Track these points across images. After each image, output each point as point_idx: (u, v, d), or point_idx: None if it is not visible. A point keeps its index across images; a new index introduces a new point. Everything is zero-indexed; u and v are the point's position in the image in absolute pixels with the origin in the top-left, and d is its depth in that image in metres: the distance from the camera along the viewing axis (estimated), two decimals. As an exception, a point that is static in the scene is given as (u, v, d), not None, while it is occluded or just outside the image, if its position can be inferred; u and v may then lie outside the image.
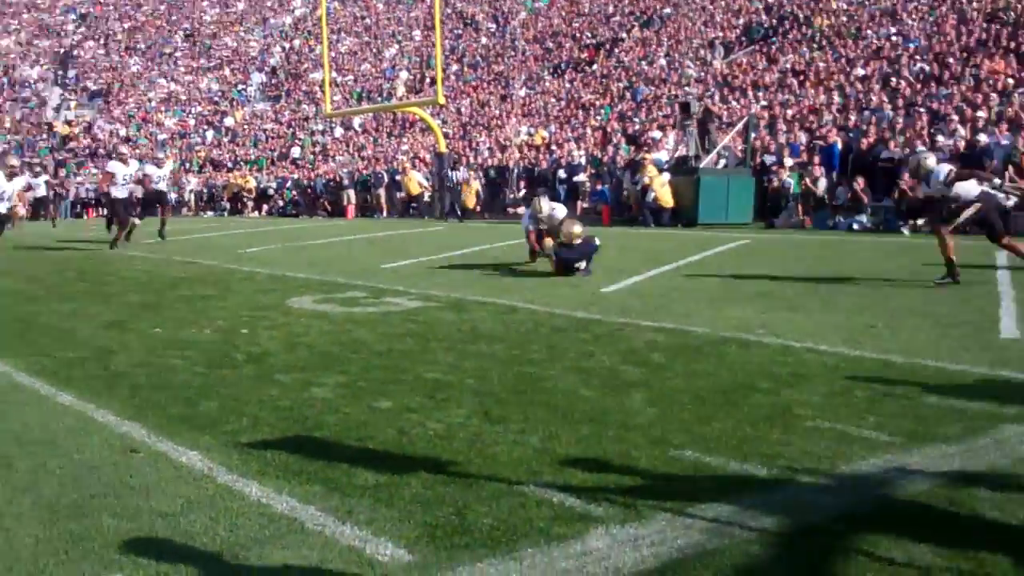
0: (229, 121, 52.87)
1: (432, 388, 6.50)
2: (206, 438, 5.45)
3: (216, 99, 56.63)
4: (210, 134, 51.94)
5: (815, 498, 4.35)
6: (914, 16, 30.90)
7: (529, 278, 12.65)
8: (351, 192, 34.56)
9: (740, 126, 25.15)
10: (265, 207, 38.45)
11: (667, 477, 4.65)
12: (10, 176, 16.90)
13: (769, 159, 23.65)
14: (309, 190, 37.14)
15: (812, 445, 5.04)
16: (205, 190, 42.08)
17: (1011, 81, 23.30)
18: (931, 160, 11.45)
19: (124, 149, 23.46)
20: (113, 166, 19.45)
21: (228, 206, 39.62)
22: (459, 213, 28.64)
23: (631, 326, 8.78)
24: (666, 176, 23.43)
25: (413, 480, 4.65)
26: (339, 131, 45.44)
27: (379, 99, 46.88)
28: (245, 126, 52.00)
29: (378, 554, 3.84)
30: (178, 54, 62.27)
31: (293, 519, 4.22)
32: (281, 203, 37.77)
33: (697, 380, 6.57)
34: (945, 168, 11.12)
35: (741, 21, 37.82)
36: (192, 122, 54.19)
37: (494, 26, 51.59)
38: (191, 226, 29.72)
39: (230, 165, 44.57)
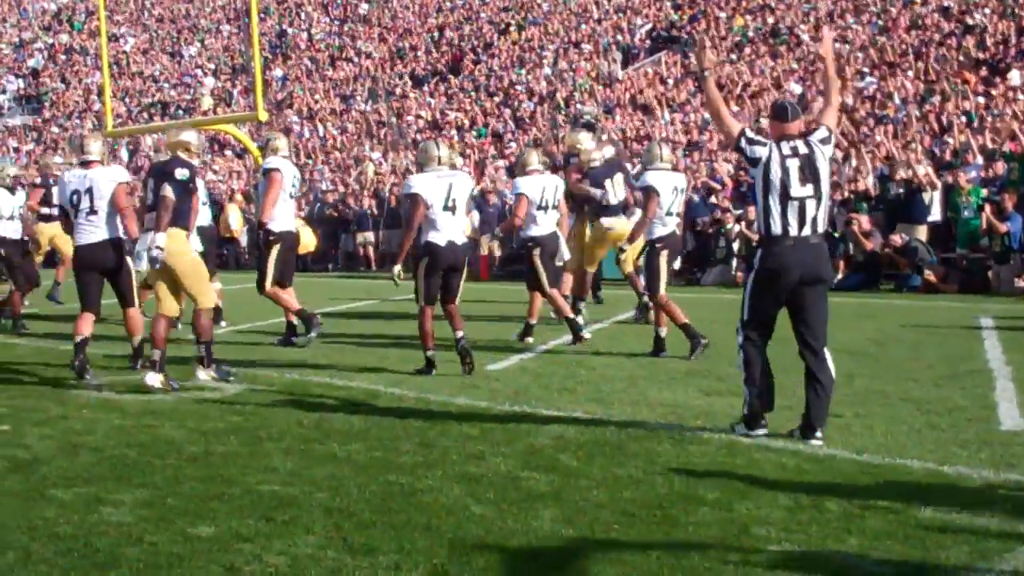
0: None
1: (269, 506, 6.29)
2: (-41, 583, 5.14)
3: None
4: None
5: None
6: (863, 17, 31.98)
7: (391, 348, 12.46)
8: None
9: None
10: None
11: (596, 627, 4.53)
12: None
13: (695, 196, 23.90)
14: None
15: (781, 578, 4.98)
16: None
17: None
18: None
19: None
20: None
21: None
22: None
23: (530, 416, 8.71)
24: None
25: (252, 639, 4.43)
26: (124, 153, 44.65)
27: (179, 113, 46.26)
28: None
29: None
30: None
31: None
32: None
33: (623, 490, 6.50)
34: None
35: (644, 22, 38.61)
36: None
37: (327, 20, 51.66)
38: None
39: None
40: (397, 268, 10.78)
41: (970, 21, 28.79)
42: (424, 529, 5.79)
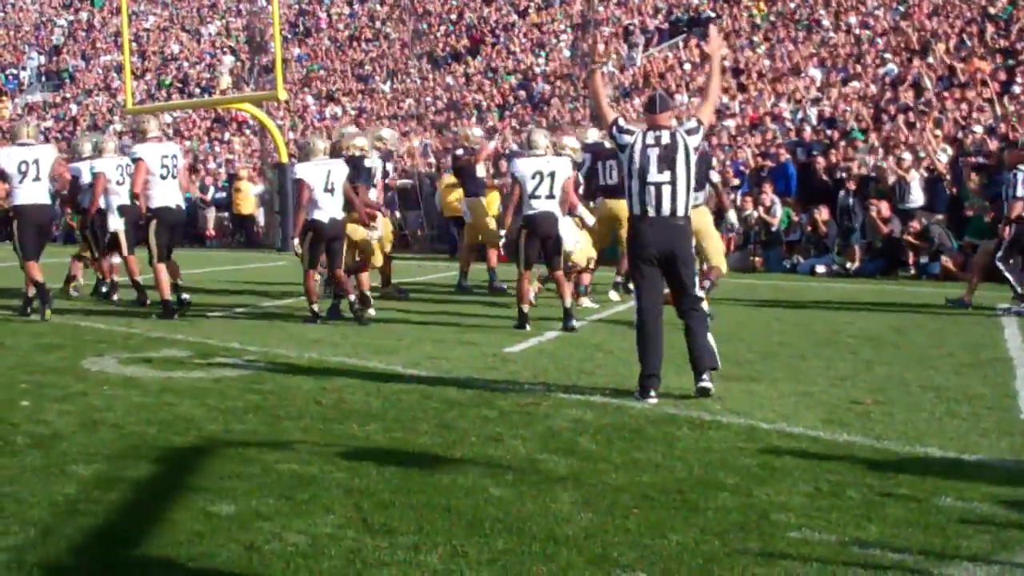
0: (-2, 115, 51.61)
1: (289, 485, 6.27)
2: (-21, 557, 5.13)
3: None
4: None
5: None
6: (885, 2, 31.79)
7: (409, 329, 12.45)
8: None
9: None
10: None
11: (616, 611, 4.51)
12: None
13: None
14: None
15: (800, 565, 4.95)
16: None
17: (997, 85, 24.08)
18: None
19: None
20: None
21: (-8, 230, 38.41)
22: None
23: (549, 399, 8.70)
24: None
25: (272, 617, 4.42)
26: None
27: (198, 91, 46.29)
28: (16, 121, 50.76)
29: None
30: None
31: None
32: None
33: (642, 474, 6.47)
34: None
35: (664, 5, 38.44)
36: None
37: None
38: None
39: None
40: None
41: (992, 10, 28.60)
42: (443, 510, 5.77)
